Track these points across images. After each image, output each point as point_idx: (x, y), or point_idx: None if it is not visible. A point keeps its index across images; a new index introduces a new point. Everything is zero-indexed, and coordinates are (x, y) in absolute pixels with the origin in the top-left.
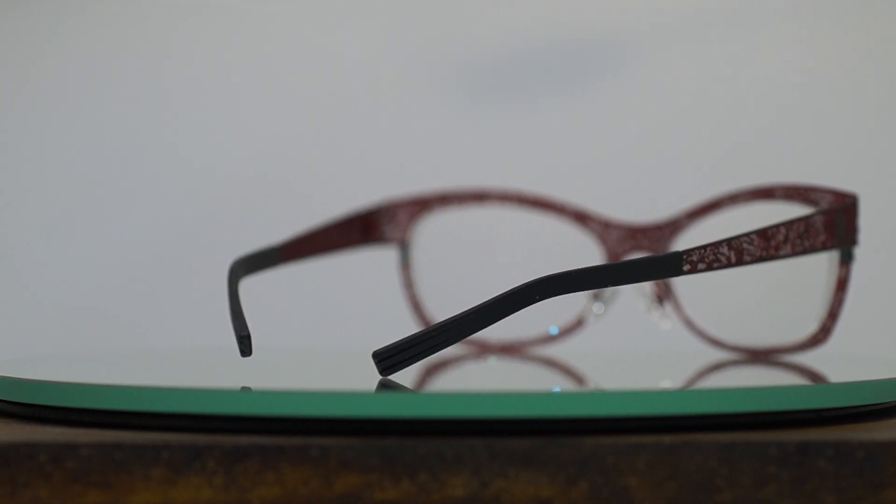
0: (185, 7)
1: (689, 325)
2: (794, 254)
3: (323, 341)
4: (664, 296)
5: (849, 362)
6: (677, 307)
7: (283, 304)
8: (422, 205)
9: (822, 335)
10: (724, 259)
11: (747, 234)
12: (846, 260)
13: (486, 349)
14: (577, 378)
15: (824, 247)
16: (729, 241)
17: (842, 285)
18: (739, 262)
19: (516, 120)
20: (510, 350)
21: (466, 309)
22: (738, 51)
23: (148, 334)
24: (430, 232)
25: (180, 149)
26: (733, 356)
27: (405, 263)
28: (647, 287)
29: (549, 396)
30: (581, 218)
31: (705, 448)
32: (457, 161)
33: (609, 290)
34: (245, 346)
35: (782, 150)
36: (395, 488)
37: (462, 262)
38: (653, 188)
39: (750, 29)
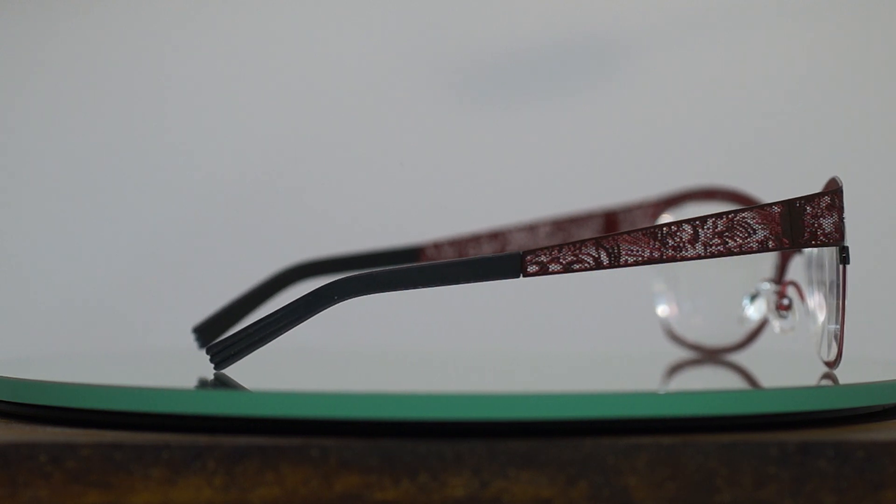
0: (185, 8)
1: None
2: (715, 254)
3: (324, 343)
4: (789, 305)
5: (848, 363)
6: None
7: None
8: (668, 203)
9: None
10: (590, 260)
11: (628, 232)
12: (841, 262)
13: (704, 353)
14: (751, 380)
15: (764, 247)
16: (597, 241)
17: (840, 290)
18: (617, 265)
19: (516, 120)
20: (712, 354)
21: (278, 308)
22: (738, 51)
23: (148, 334)
24: None
25: (182, 149)
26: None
27: None
28: (773, 295)
29: (549, 397)
30: None
31: (705, 448)
32: (457, 161)
33: (761, 299)
34: (198, 340)
35: (782, 150)
36: (394, 488)
37: None
38: (652, 188)
39: (750, 29)
